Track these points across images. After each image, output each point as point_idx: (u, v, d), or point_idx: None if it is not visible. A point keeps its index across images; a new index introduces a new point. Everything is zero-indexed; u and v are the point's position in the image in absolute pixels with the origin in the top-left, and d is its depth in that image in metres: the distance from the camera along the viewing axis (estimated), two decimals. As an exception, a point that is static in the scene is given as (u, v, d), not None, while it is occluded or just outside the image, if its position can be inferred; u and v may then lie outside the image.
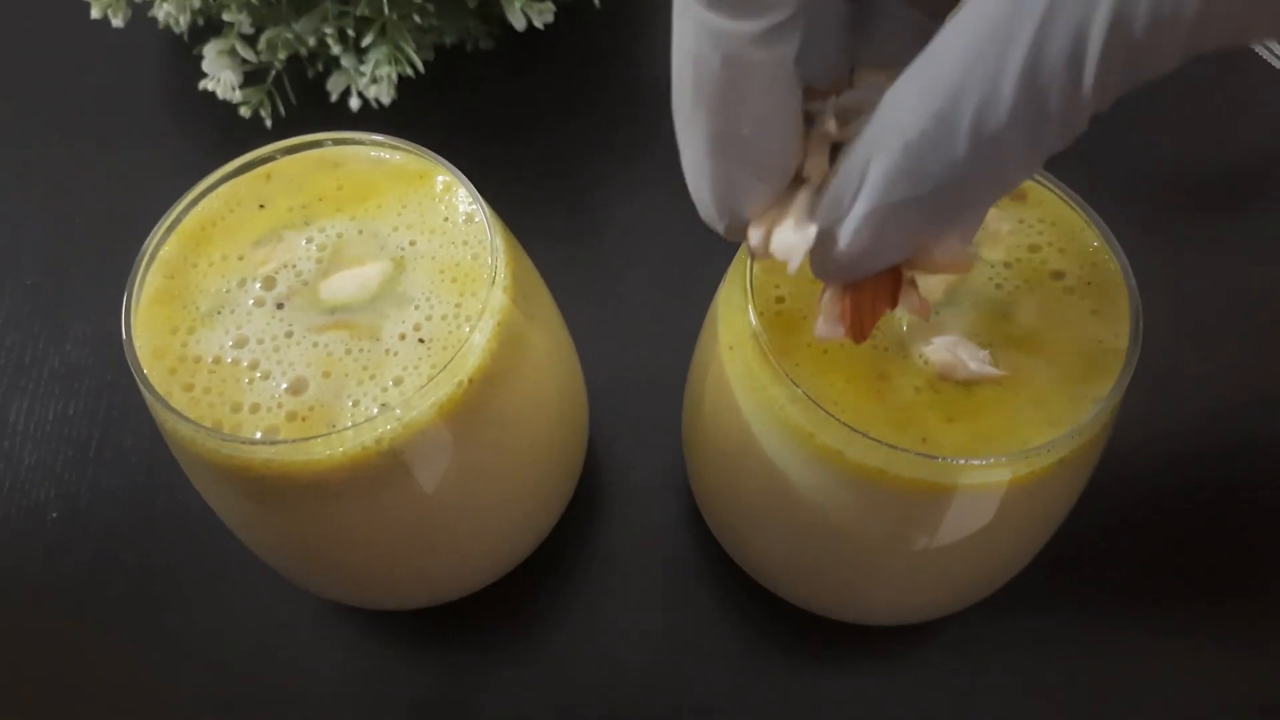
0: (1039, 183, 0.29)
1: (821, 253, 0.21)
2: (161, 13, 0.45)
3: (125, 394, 0.42)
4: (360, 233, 0.29)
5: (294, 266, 0.28)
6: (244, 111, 0.46)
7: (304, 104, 0.48)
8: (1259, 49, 0.43)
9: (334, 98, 0.47)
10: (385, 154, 0.30)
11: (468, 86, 0.49)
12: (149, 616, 0.37)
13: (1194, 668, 0.35)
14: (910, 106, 0.18)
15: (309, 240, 0.29)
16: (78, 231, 0.46)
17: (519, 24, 0.45)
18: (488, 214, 0.29)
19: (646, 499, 0.39)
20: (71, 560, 0.38)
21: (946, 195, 0.19)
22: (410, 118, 0.46)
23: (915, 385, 0.26)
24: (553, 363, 0.31)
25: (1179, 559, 0.37)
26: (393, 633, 0.37)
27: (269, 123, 0.47)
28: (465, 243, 0.29)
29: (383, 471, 0.26)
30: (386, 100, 0.45)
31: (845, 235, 0.21)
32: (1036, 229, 0.28)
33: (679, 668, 0.36)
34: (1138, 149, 0.47)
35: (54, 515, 0.39)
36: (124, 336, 0.27)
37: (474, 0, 0.45)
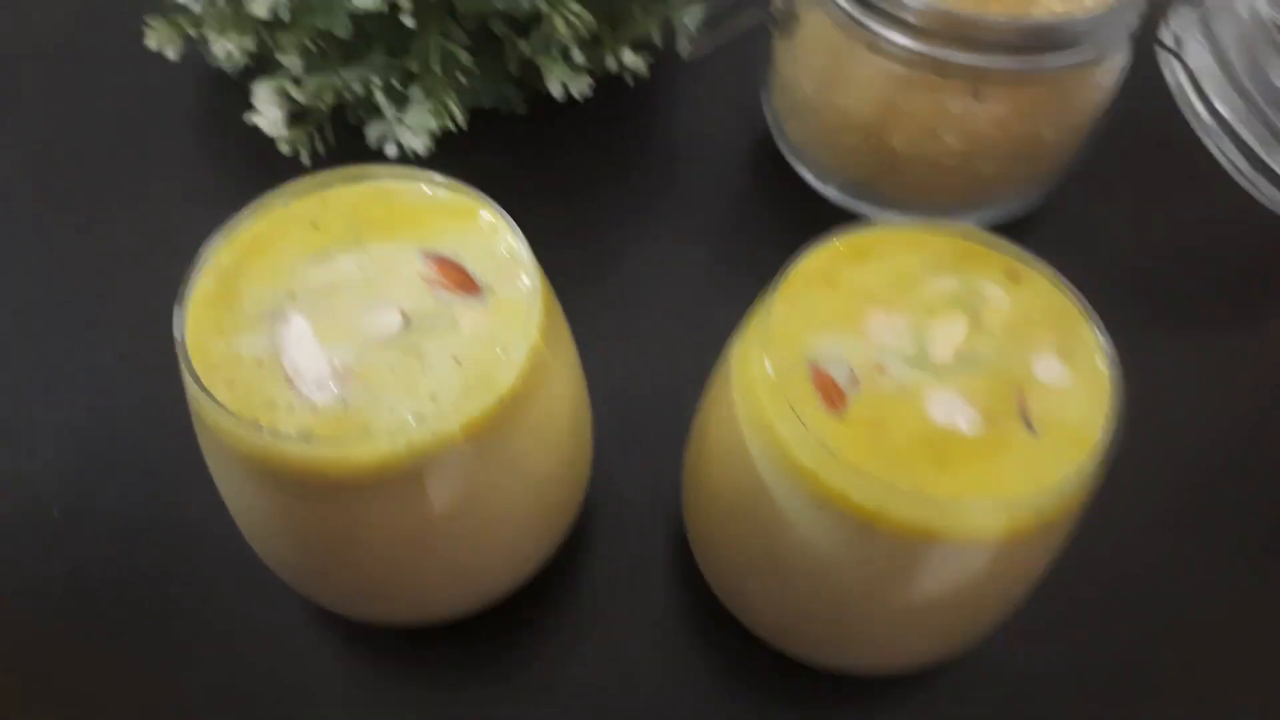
0: (1030, 265, 0.31)
1: None
2: (221, 50, 0.48)
3: (150, 400, 0.43)
4: (404, 258, 0.31)
5: (342, 285, 0.30)
6: (284, 149, 0.49)
7: (342, 146, 0.50)
8: (1239, 179, 0.47)
9: (373, 144, 0.50)
10: (435, 190, 0.33)
11: (498, 147, 0.52)
12: (150, 621, 0.38)
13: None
14: None
15: (358, 264, 0.31)
16: (115, 250, 0.48)
17: (557, 93, 0.48)
18: (526, 250, 0.31)
19: (641, 537, 0.40)
20: (78, 561, 0.39)
21: None
22: (442, 169, 0.48)
23: (912, 436, 0.28)
24: (569, 394, 0.33)
25: (1149, 619, 0.39)
26: (385, 649, 0.37)
27: (307, 161, 0.49)
28: (504, 277, 0.31)
29: (407, 478, 0.28)
30: (423, 151, 0.48)
31: None
32: (1031, 305, 0.31)
33: (662, 711, 0.37)
34: (1137, 239, 0.51)
35: (57, 515, 0.40)
36: (175, 331, 0.29)
37: (515, 65, 0.48)
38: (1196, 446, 0.44)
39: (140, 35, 0.52)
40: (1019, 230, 0.48)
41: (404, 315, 0.30)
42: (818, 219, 0.50)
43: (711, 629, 0.38)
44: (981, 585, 0.29)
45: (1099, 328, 0.30)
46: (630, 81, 0.52)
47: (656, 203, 0.51)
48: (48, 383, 0.43)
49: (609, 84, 0.53)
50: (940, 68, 0.40)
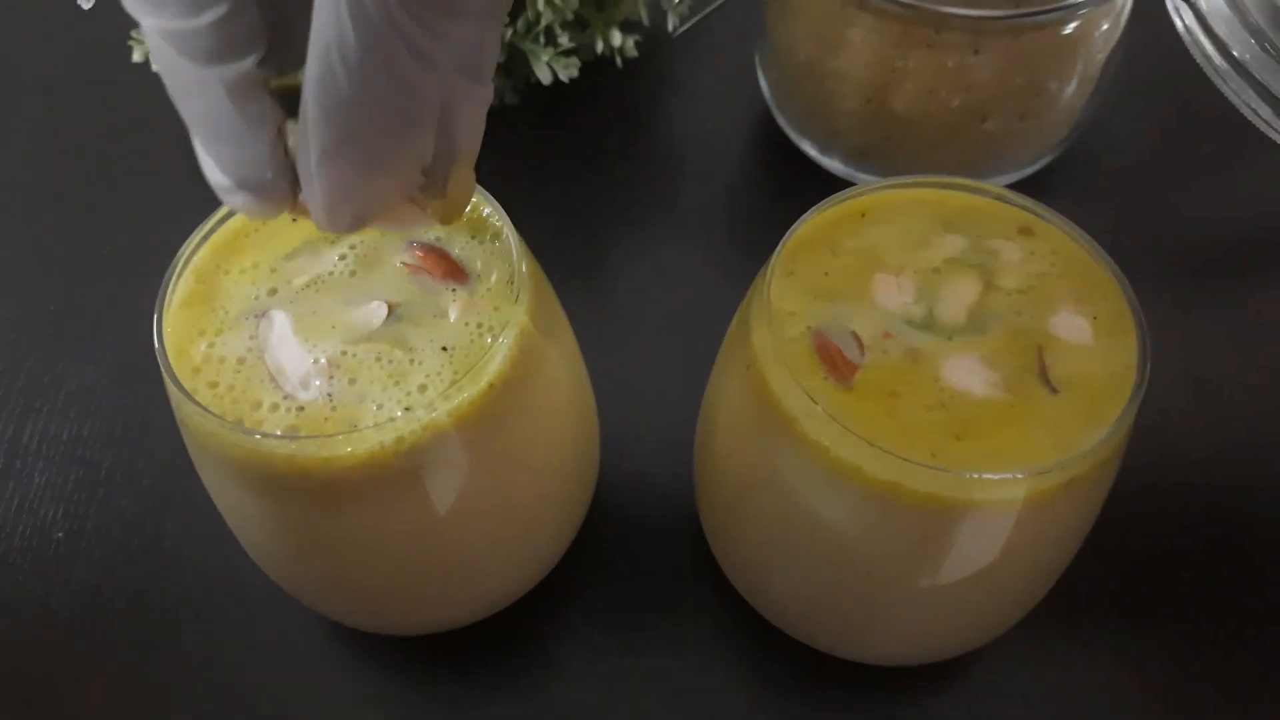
0: (1044, 219, 0.30)
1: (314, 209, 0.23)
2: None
3: (141, 418, 0.42)
4: (389, 249, 0.30)
5: (326, 279, 0.29)
6: (274, 153, 0.48)
7: (332, 148, 0.49)
8: (1258, 123, 0.44)
9: (362, 142, 0.49)
10: (416, 176, 0.31)
11: (490, 139, 0.51)
12: (150, 640, 0.37)
13: (1210, 699, 0.35)
14: (311, 57, 0.20)
15: (341, 256, 0.30)
16: (102, 260, 0.48)
17: (545, 78, 0.47)
18: (513, 234, 0.30)
19: (654, 534, 0.39)
20: (75, 581, 0.38)
21: (364, 129, 0.21)
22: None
23: (926, 404, 0.27)
24: (568, 384, 0.32)
25: (1191, 594, 0.37)
26: (391, 661, 0.36)
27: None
28: (492, 262, 0.30)
29: (400, 475, 0.27)
30: (412, 146, 0.47)
31: (316, 181, 0.22)
32: (1048, 260, 0.29)
33: (686, 711, 0.35)
34: (1154, 194, 0.49)
35: (60, 535, 0.39)
36: (154, 335, 0.28)
37: (501, 54, 0.47)
38: (1226, 408, 0.42)
39: (127, 53, 0.51)
40: (1031, 192, 0.46)
41: (389, 306, 0.29)
42: (822, 193, 0.48)
43: (736, 626, 0.36)
44: (1009, 559, 0.27)
45: (1119, 277, 0.29)
46: (619, 64, 0.50)
47: (655, 188, 0.50)
48: (34, 402, 0.43)
49: (598, 69, 0.52)
50: (936, 21, 0.39)
